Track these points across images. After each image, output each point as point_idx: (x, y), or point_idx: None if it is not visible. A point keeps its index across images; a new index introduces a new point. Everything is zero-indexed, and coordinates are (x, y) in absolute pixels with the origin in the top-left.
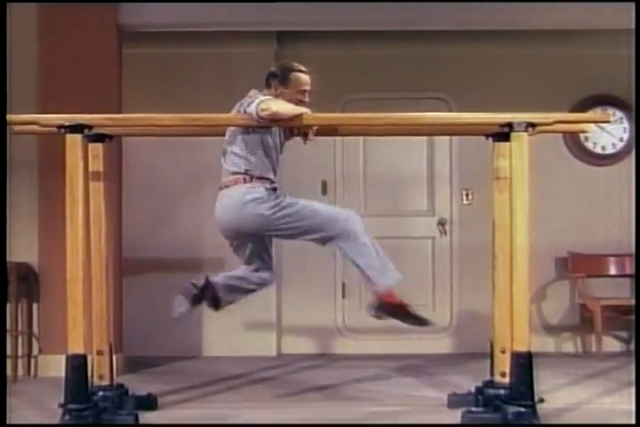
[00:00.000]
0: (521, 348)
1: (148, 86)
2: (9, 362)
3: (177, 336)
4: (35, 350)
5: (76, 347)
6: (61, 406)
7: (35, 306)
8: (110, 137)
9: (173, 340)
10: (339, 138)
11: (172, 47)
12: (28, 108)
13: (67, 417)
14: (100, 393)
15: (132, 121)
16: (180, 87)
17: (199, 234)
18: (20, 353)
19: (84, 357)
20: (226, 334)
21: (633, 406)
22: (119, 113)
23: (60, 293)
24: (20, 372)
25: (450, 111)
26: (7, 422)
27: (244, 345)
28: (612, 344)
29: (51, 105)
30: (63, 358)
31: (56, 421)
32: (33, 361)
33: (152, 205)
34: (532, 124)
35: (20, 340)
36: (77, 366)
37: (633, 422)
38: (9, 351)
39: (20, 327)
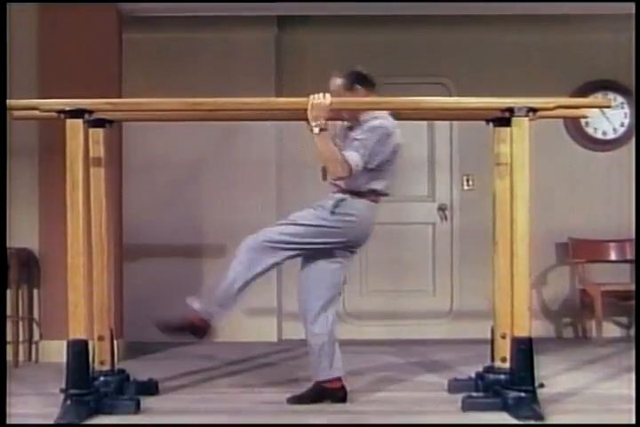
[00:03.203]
0: (521, 333)
1: (148, 72)
2: (10, 348)
3: None
4: (36, 336)
5: (77, 332)
6: (63, 391)
7: (35, 291)
8: (111, 122)
9: None
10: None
11: (173, 32)
12: (29, 93)
13: (68, 402)
14: (102, 378)
15: (133, 106)
16: (181, 72)
17: (200, 220)
18: (20, 339)
19: (85, 342)
20: (226, 320)
21: (633, 391)
22: (119, 98)
23: (60, 278)
24: (22, 357)
25: (450, 96)
26: (8, 422)
27: (244, 330)
28: (612, 330)
29: (51, 90)
30: (64, 343)
31: (57, 406)
32: (34, 347)
33: (152, 190)
34: (533, 109)
35: (20, 325)
36: (78, 351)
37: (632, 407)
38: (10, 337)
39: (20, 313)
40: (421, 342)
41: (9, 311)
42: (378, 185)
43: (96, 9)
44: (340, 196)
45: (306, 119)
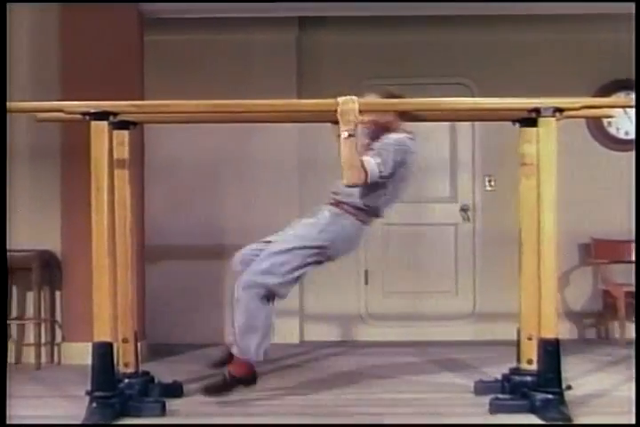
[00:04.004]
0: (548, 335)
1: (168, 73)
2: (32, 350)
3: (199, 324)
4: (58, 338)
5: (102, 335)
6: (88, 393)
7: (57, 293)
8: (135, 124)
9: (196, 327)
10: None
11: (193, 34)
12: (50, 95)
13: (94, 404)
14: (126, 381)
15: (157, 107)
16: (201, 74)
17: (220, 220)
18: (42, 341)
19: (110, 344)
20: None
21: None
22: (141, 100)
23: (82, 280)
24: (44, 359)
25: (470, 97)
26: (10, 422)
27: None
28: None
29: (72, 92)
30: (86, 345)
31: (82, 408)
32: (56, 349)
33: (173, 191)
34: (560, 109)
35: (42, 327)
36: (103, 353)
37: None
38: (32, 339)
39: (42, 315)
40: (444, 344)
41: (31, 313)
42: (372, 202)
43: (117, 9)
44: (330, 211)
45: (329, 121)
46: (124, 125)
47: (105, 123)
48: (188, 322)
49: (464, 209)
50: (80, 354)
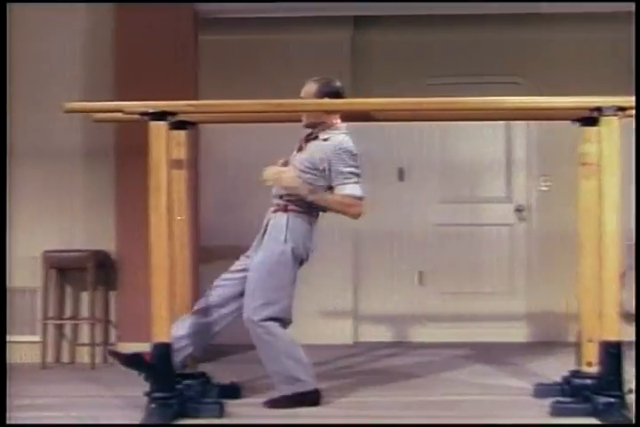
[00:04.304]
0: (610, 337)
1: (223, 74)
2: (86, 350)
3: None
4: (111, 338)
5: (161, 336)
6: (147, 394)
7: (111, 293)
8: (192, 124)
9: None
10: (415, 124)
11: (248, 33)
12: (101, 95)
13: (153, 405)
14: (184, 382)
15: (215, 107)
16: (255, 74)
17: None
18: (97, 341)
19: (169, 345)
20: (302, 322)
21: None
22: (195, 100)
23: (137, 280)
24: (98, 359)
25: (524, 95)
26: (13, 422)
27: (319, 333)
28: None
29: (127, 93)
30: (141, 345)
31: (138, 409)
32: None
33: (226, 191)
34: (622, 108)
35: (97, 328)
36: (162, 354)
37: None
38: (87, 339)
39: (97, 315)
40: (499, 345)
41: (86, 313)
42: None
43: (173, 9)
44: (280, 217)
45: (383, 120)
46: (181, 125)
47: (163, 123)
48: (240, 323)
49: (519, 209)
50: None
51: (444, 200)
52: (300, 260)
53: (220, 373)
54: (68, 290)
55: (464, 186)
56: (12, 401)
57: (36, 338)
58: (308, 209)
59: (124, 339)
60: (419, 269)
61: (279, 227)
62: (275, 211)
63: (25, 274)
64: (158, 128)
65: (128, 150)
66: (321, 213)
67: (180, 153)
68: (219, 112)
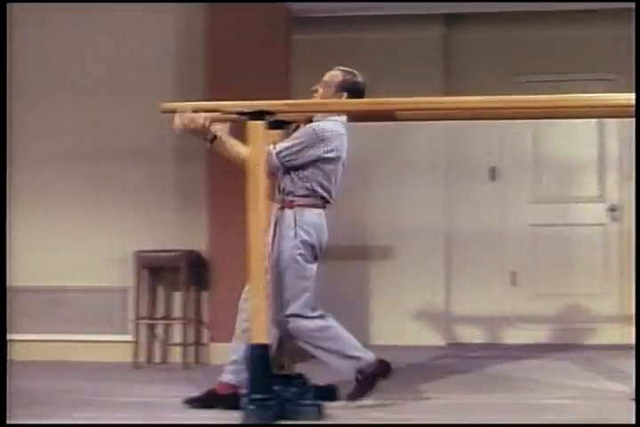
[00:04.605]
0: None
1: (315, 73)
2: (179, 350)
3: (344, 325)
4: (203, 338)
5: (260, 337)
6: (244, 395)
7: (203, 294)
8: (288, 123)
9: None
10: (507, 122)
11: (338, 32)
12: (192, 95)
13: (251, 407)
14: (281, 383)
15: (312, 106)
16: None
17: (366, 221)
18: (189, 341)
19: (267, 347)
20: (394, 324)
21: None
22: (288, 100)
23: (230, 281)
24: (191, 360)
25: (618, 92)
26: (12, 422)
27: (411, 334)
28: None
29: (219, 92)
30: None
31: (231, 410)
32: (204, 349)
33: None
34: None
35: (189, 328)
36: (260, 355)
37: None
38: (179, 339)
39: (189, 315)
40: (593, 347)
41: (178, 313)
42: (303, 186)
43: (266, 9)
44: (288, 215)
45: (479, 118)
46: (277, 125)
47: (261, 122)
48: None
49: (612, 209)
50: (227, 355)
51: (535, 200)
52: (314, 254)
53: (316, 374)
54: (160, 290)
55: (556, 185)
56: (101, 400)
57: (129, 338)
58: (314, 202)
59: (216, 339)
60: (511, 269)
61: (287, 224)
62: (280, 208)
63: (115, 274)
64: (257, 128)
65: None
66: (329, 204)
67: None
68: (318, 111)
